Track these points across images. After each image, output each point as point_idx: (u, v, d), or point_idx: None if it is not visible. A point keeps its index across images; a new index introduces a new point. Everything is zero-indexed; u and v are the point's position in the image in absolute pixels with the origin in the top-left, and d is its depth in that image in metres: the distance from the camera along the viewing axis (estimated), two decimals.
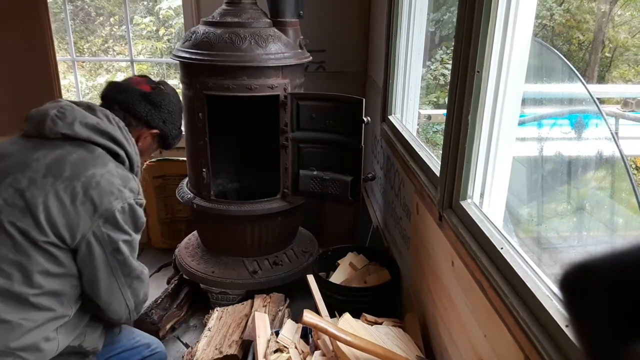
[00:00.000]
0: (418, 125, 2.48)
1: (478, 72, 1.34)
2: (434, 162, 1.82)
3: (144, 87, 1.57)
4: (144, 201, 1.46)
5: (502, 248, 1.20)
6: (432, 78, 4.68)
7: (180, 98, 1.69)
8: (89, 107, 1.46)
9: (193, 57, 2.31)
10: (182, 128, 1.75)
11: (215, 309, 2.46)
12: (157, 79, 1.69)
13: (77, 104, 1.45)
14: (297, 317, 1.96)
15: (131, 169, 1.50)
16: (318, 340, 1.80)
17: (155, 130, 1.59)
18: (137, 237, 1.45)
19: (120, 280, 1.41)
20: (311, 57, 2.54)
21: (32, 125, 1.39)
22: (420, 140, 2.13)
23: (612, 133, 1.84)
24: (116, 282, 1.40)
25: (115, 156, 1.45)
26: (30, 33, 3.06)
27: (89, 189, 1.31)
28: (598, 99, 1.95)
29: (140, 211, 1.44)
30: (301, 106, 2.39)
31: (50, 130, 1.36)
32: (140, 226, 1.45)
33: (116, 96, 1.52)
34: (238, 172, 3.07)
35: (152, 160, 3.27)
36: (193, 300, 2.71)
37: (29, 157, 1.32)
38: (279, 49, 2.34)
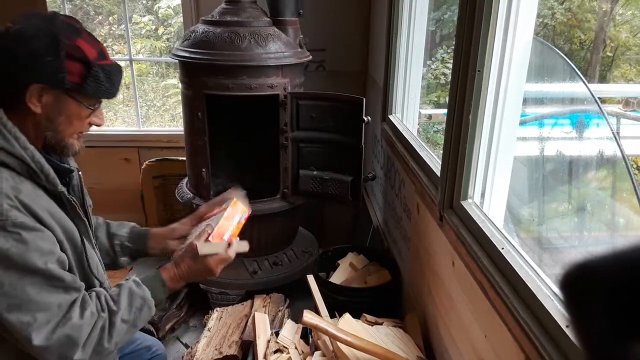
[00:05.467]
0: (419, 124, 2.48)
1: (479, 71, 1.33)
2: (434, 161, 1.82)
3: None
4: (14, 219, 1.07)
5: (502, 248, 1.19)
6: (432, 77, 4.68)
7: (50, 27, 1.13)
8: None
9: (192, 56, 2.30)
10: (96, 63, 1.16)
11: (215, 310, 2.46)
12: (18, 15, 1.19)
13: None
14: (297, 318, 1.95)
15: (29, 170, 1.13)
16: (318, 341, 1.80)
17: (33, 86, 1.11)
18: (19, 264, 1.08)
19: None
20: (311, 56, 2.54)
21: None
22: (421, 140, 2.13)
23: (613, 133, 1.83)
24: None
25: None
26: None
27: None
28: (599, 98, 1.95)
29: (6, 233, 1.07)
30: (301, 106, 2.39)
31: None
32: (14, 251, 1.07)
33: None
34: (238, 172, 3.07)
35: (152, 160, 3.26)
36: (193, 301, 2.71)
37: None
38: (278, 48, 2.34)
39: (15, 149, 1.11)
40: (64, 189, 1.21)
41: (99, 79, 1.16)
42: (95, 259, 1.34)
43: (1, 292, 1.08)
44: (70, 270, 1.22)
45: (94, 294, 1.24)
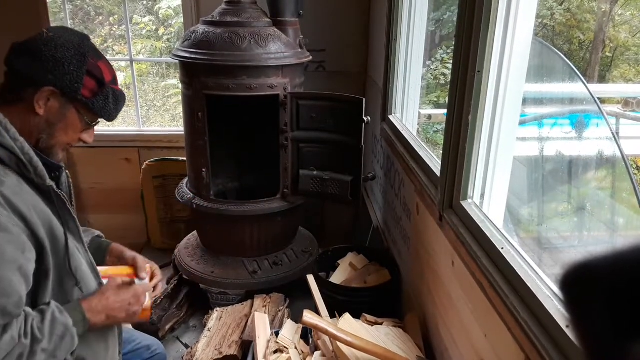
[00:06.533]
0: (418, 125, 2.48)
1: (479, 71, 1.34)
2: (434, 162, 1.82)
3: (30, 37, 1.23)
4: None
5: (502, 248, 1.20)
6: (432, 77, 4.68)
7: (80, 43, 1.22)
8: None
9: (193, 56, 2.30)
10: (108, 86, 1.25)
11: (215, 310, 2.46)
12: (55, 25, 1.30)
13: None
14: (297, 318, 1.95)
15: (18, 162, 1.13)
16: (318, 341, 1.80)
17: (46, 88, 1.17)
18: None
19: None
20: (311, 57, 2.54)
21: None
22: (421, 140, 2.13)
23: (612, 133, 1.84)
24: None
25: None
26: (30, 33, 3.06)
27: None
28: (599, 98, 1.96)
29: None
30: (301, 106, 2.39)
31: None
32: None
33: (6, 56, 1.20)
34: (238, 172, 3.07)
35: (153, 160, 3.26)
36: (193, 301, 2.71)
37: None
38: (279, 49, 2.34)
39: (5, 139, 1.12)
40: (52, 183, 1.19)
41: (108, 100, 1.25)
42: (78, 258, 1.28)
43: None
44: (41, 278, 1.17)
45: (22, 317, 1.12)
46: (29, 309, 1.16)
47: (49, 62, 1.17)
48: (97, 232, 1.60)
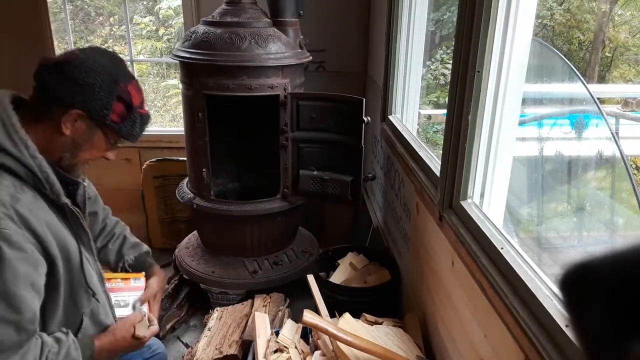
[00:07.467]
0: (418, 125, 2.48)
1: (478, 72, 1.34)
2: (434, 162, 1.82)
3: (62, 57, 1.24)
4: (1, 230, 1.07)
5: (502, 248, 1.20)
6: (432, 78, 4.69)
7: (112, 67, 1.23)
8: None
9: (193, 56, 2.30)
10: (136, 111, 1.28)
11: (215, 309, 2.46)
12: (88, 46, 1.33)
13: None
14: (297, 317, 1.96)
15: (34, 178, 1.15)
16: (318, 340, 1.80)
17: (75, 111, 1.18)
18: None
19: None
20: (311, 57, 2.54)
21: None
22: (421, 140, 2.13)
23: (612, 133, 1.84)
24: None
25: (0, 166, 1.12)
26: (30, 33, 3.07)
27: None
28: (598, 98, 1.96)
29: None
30: (301, 106, 2.39)
31: None
32: None
33: (36, 72, 1.21)
34: (238, 172, 3.08)
35: (153, 160, 3.27)
36: (193, 300, 2.71)
37: None
38: (279, 49, 2.34)
39: (24, 155, 1.13)
40: (67, 201, 1.21)
41: (135, 124, 1.28)
42: (90, 271, 1.32)
43: None
44: (50, 290, 1.19)
45: (39, 344, 1.15)
46: (45, 336, 1.18)
47: (80, 86, 1.17)
48: (146, 248, 1.67)
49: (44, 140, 1.18)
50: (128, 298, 1.52)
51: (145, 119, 1.31)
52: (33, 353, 1.12)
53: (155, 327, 1.44)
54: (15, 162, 1.12)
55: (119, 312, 1.47)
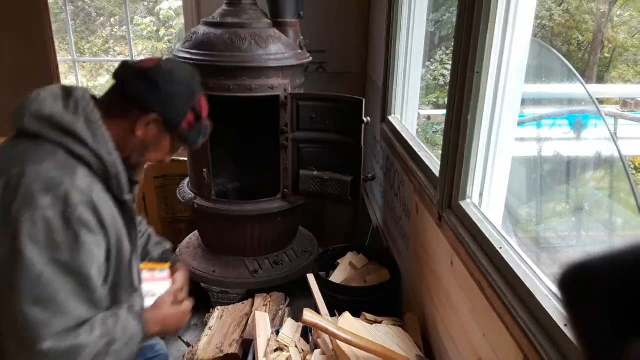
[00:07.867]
0: (418, 125, 2.49)
1: (478, 72, 1.35)
2: (433, 162, 1.83)
3: (147, 63, 1.31)
4: (80, 214, 1.13)
5: (501, 248, 1.20)
6: (431, 78, 4.69)
7: (191, 80, 1.33)
8: (63, 93, 1.24)
9: (193, 57, 2.31)
10: (203, 121, 1.37)
11: (216, 308, 2.47)
12: (167, 58, 1.41)
13: (64, 88, 1.26)
14: (297, 316, 1.96)
15: (105, 172, 1.21)
16: (318, 339, 1.81)
17: (153, 115, 1.25)
18: (65, 261, 1.11)
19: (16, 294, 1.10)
20: (311, 58, 2.55)
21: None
22: (420, 141, 2.14)
23: (611, 133, 1.85)
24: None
25: (78, 157, 1.18)
26: (31, 33, 3.07)
27: (6, 191, 1.12)
28: (597, 99, 1.96)
29: (67, 226, 1.11)
30: (301, 106, 2.40)
31: (12, 125, 1.21)
32: (66, 246, 1.11)
33: (118, 75, 1.29)
34: (238, 172, 3.08)
35: None
36: (194, 300, 2.72)
37: None
38: (279, 50, 2.35)
39: (102, 151, 1.20)
40: (130, 197, 1.28)
41: (200, 133, 1.37)
42: (137, 267, 1.40)
43: (37, 282, 1.08)
44: (106, 278, 1.25)
45: (100, 316, 1.21)
46: (106, 313, 1.24)
47: (162, 94, 1.26)
48: (169, 246, 1.73)
49: (117, 138, 1.25)
50: (154, 288, 1.55)
51: (208, 129, 1.41)
52: (100, 325, 1.19)
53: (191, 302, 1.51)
54: (92, 155, 1.19)
55: (146, 303, 1.50)
